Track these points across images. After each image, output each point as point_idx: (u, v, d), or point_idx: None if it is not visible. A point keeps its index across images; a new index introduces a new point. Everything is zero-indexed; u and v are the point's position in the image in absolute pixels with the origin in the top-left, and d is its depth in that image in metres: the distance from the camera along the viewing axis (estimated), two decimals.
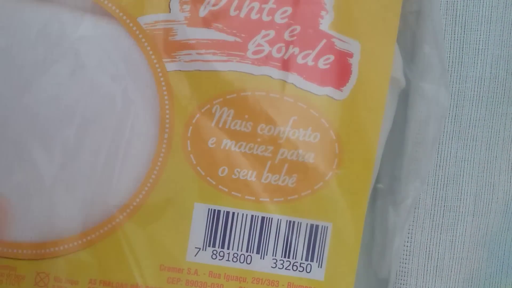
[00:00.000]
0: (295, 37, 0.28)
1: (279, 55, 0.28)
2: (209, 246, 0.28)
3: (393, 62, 0.28)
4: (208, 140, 0.28)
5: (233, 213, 0.28)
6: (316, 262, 0.29)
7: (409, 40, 0.30)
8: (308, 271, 0.29)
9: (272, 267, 0.28)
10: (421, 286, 0.33)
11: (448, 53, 0.32)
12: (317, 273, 0.29)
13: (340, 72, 0.28)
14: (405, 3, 0.29)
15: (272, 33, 0.28)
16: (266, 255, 0.28)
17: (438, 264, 0.33)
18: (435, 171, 0.33)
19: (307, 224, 0.29)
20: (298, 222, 0.28)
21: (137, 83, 0.28)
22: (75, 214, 0.28)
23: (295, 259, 0.29)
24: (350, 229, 0.28)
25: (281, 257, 0.29)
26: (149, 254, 0.28)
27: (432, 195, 0.33)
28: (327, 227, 0.28)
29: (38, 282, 0.28)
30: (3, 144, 0.27)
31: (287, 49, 0.28)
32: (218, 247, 0.28)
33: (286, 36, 0.28)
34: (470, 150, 0.33)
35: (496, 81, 0.33)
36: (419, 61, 0.30)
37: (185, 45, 0.28)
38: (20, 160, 0.27)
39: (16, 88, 0.27)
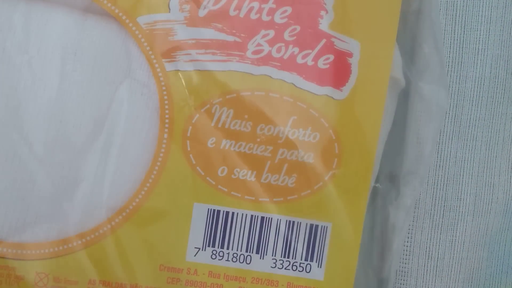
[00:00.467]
0: (295, 37, 0.28)
1: (278, 55, 0.28)
2: (208, 246, 0.28)
3: (393, 62, 0.29)
4: (207, 140, 0.28)
5: (233, 213, 0.28)
6: (316, 262, 0.29)
7: (409, 40, 0.30)
8: (307, 271, 0.29)
9: (271, 267, 0.29)
10: (421, 286, 0.33)
11: (448, 53, 0.33)
12: (317, 273, 0.29)
13: (340, 72, 0.28)
14: (405, 3, 0.29)
15: (271, 33, 0.28)
16: (266, 255, 0.29)
17: (438, 264, 0.33)
18: (435, 171, 0.33)
19: (306, 224, 0.29)
20: (298, 222, 0.29)
21: (136, 83, 0.28)
22: (74, 215, 0.28)
23: (295, 259, 0.29)
24: (349, 229, 0.28)
25: (281, 257, 0.29)
26: (148, 254, 0.28)
27: (432, 195, 0.33)
28: (326, 227, 0.29)
29: (37, 282, 0.28)
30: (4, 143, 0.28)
31: (286, 49, 0.28)
32: (218, 247, 0.28)
33: (286, 36, 0.28)
34: (470, 150, 0.33)
35: (496, 81, 0.33)
36: (418, 61, 0.30)
37: (184, 45, 0.28)
38: (20, 159, 0.28)
39: (17, 89, 0.28)
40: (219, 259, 0.29)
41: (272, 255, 0.29)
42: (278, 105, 0.28)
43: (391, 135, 0.30)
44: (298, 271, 0.29)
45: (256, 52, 0.28)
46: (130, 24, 0.27)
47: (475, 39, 0.32)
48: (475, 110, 0.33)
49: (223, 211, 0.28)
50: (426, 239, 0.33)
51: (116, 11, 0.27)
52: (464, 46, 0.32)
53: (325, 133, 0.28)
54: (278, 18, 0.28)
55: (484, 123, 0.33)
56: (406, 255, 0.33)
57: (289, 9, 0.28)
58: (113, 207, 0.28)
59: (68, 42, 0.28)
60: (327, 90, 0.28)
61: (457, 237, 0.33)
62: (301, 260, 0.29)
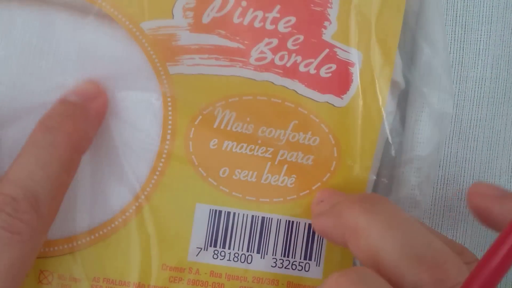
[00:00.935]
0: (298, 46, 0.28)
1: (281, 63, 0.28)
2: (210, 246, 0.29)
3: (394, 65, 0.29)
4: (209, 142, 0.29)
5: (234, 214, 0.29)
6: (314, 261, 0.29)
7: (409, 42, 0.30)
8: (306, 270, 0.29)
9: (272, 266, 0.29)
10: None
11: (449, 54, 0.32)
12: (315, 271, 0.29)
13: (341, 80, 0.29)
14: (406, 4, 0.29)
15: (275, 41, 0.28)
16: (266, 254, 0.29)
17: None
18: (435, 172, 0.33)
19: (305, 223, 0.29)
20: (297, 222, 0.29)
21: (140, 85, 0.28)
22: (79, 214, 0.28)
23: (294, 258, 0.29)
24: None
25: (281, 256, 0.29)
26: (151, 254, 0.29)
27: (432, 195, 0.32)
28: None
29: (42, 279, 0.28)
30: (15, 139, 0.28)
31: (289, 57, 0.28)
32: (220, 247, 0.29)
33: (289, 44, 0.28)
34: (471, 151, 0.33)
35: (497, 81, 0.33)
36: (419, 62, 0.30)
37: (188, 50, 0.28)
38: None
39: (21, 93, 0.28)
40: (220, 259, 0.29)
41: (273, 255, 0.29)
42: (280, 109, 0.29)
43: (392, 137, 0.31)
44: (298, 270, 0.29)
45: (259, 59, 0.28)
46: (134, 30, 0.28)
47: (475, 39, 0.32)
48: (476, 110, 0.32)
49: (225, 212, 0.29)
50: None
51: (119, 16, 0.28)
52: (464, 47, 0.32)
53: (325, 138, 0.29)
54: (282, 27, 0.28)
55: (485, 123, 0.33)
56: None
57: (293, 19, 0.28)
58: (116, 207, 0.29)
59: (72, 46, 0.28)
60: (328, 97, 0.29)
61: (458, 237, 0.33)
62: (300, 259, 0.29)
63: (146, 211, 0.29)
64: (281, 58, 0.28)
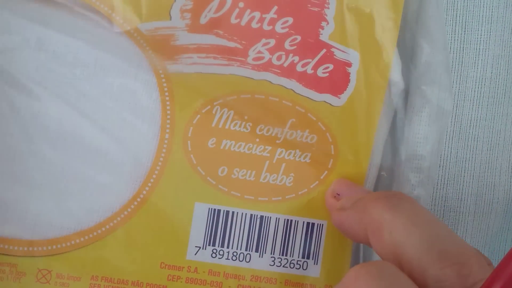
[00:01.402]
0: (295, 46, 0.28)
1: (279, 63, 0.29)
2: (209, 245, 0.29)
3: (392, 64, 0.29)
4: (208, 141, 0.29)
5: (233, 213, 0.29)
6: (312, 259, 0.30)
7: (409, 40, 0.30)
8: (304, 268, 0.30)
9: (270, 265, 0.29)
10: None
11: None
12: (313, 270, 0.30)
13: (339, 80, 0.29)
14: (405, 3, 0.29)
15: (272, 41, 0.28)
16: (265, 253, 0.29)
17: None
18: (435, 171, 0.32)
19: (303, 222, 0.30)
20: (295, 221, 0.29)
21: (138, 84, 0.29)
22: (77, 212, 0.29)
23: (292, 256, 0.29)
24: None
25: (279, 255, 0.29)
26: (149, 252, 0.29)
27: (432, 195, 0.33)
28: (322, 225, 0.29)
29: (40, 278, 0.28)
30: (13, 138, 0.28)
31: (287, 57, 0.29)
32: (218, 246, 0.29)
33: (287, 45, 0.28)
34: (471, 150, 0.33)
35: (497, 81, 0.32)
36: (419, 61, 0.30)
37: (186, 49, 0.28)
38: (21, 156, 0.28)
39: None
40: (219, 258, 0.29)
41: (271, 253, 0.29)
42: (278, 108, 0.29)
43: (391, 137, 0.31)
44: (296, 268, 0.30)
45: (256, 59, 0.28)
46: (132, 31, 0.28)
47: (475, 39, 0.32)
48: (476, 110, 0.32)
49: (223, 211, 0.29)
50: None
51: (117, 18, 0.28)
52: (464, 47, 0.32)
53: (322, 136, 0.29)
54: (279, 28, 0.28)
55: (485, 123, 0.33)
56: None
57: (290, 20, 0.28)
58: (114, 206, 0.29)
59: (67, 45, 0.28)
60: (325, 97, 0.29)
61: None
62: (298, 257, 0.30)
63: (144, 210, 0.29)
64: (279, 58, 0.28)
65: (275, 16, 0.28)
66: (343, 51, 0.29)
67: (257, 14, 0.28)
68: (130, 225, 0.29)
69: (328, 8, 0.28)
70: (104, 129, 0.29)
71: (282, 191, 0.29)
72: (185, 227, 0.29)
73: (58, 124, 0.28)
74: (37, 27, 0.28)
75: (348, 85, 0.29)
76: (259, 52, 0.28)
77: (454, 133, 0.32)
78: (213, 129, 0.29)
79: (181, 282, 0.29)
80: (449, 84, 0.30)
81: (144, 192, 0.29)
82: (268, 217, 0.29)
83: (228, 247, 0.29)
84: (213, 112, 0.29)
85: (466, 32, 0.32)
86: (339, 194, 0.29)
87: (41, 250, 0.28)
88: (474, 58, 0.32)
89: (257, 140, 0.29)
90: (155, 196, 0.29)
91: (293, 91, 0.29)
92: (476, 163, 0.33)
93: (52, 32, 0.28)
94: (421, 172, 0.30)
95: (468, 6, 0.32)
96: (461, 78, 0.32)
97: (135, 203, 0.29)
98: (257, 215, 0.29)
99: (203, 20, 0.28)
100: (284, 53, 0.29)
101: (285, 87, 0.29)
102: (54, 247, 0.29)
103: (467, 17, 0.32)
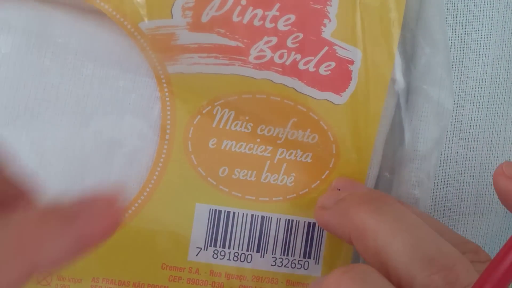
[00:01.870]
0: (298, 44, 0.29)
1: (281, 61, 0.29)
2: (210, 246, 0.29)
3: (393, 63, 0.29)
4: (209, 141, 0.29)
5: (234, 213, 0.29)
6: (313, 259, 0.30)
7: (409, 40, 0.31)
8: (305, 268, 0.30)
9: (271, 265, 0.29)
10: None
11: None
12: (314, 269, 0.30)
13: (341, 78, 0.29)
14: (406, 2, 0.29)
15: (274, 39, 0.28)
16: (266, 253, 0.29)
17: None
18: (436, 171, 0.32)
19: (304, 222, 0.30)
20: (297, 221, 0.30)
21: (138, 85, 0.29)
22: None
23: (294, 256, 0.30)
24: None
25: (281, 255, 0.30)
26: (151, 254, 0.29)
27: (432, 195, 0.32)
28: None
29: (40, 281, 0.28)
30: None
31: (289, 55, 0.29)
32: (219, 247, 0.29)
33: (289, 43, 0.28)
34: (471, 150, 0.33)
35: (497, 81, 0.33)
36: (419, 60, 0.30)
37: (187, 49, 0.28)
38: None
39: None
40: (220, 258, 0.29)
41: (272, 254, 0.29)
42: (279, 107, 0.29)
43: (392, 136, 0.31)
44: (297, 268, 0.30)
45: (258, 58, 0.28)
46: (132, 30, 0.28)
47: (476, 39, 0.32)
48: (476, 110, 0.33)
49: (224, 211, 0.29)
50: None
51: (118, 16, 0.28)
52: (465, 47, 0.32)
53: (324, 135, 0.29)
54: (281, 26, 0.28)
55: (485, 123, 0.33)
56: None
57: (292, 17, 0.28)
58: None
59: (68, 43, 0.28)
60: (327, 95, 0.29)
61: None
62: (299, 257, 0.30)
63: (145, 211, 0.29)
64: (281, 56, 0.28)
65: (278, 13, 0.28)
66: (345, 49, 0.29)
67: (259, 12, 0.28)
68: (131, 226, 0.29)
69: (331, 5, 0.28)
70: (103, 130, 0.29)
71: (283, 191, 0.29)
72: (186, 228, 0.29)
73: (58, 125, 0.29)
74: (36, 26, 0.28)
75: (350, 83, 0.29)
76: (261, 50, 0.28)
77: (454, 133, 0.33)
78: (214, 130, 0.29)
79: (183, 283, 0.29)
80: (450, 84, 0.30)
81: (145, 193, 0.29)
82: (269, 217, 0.29)
83: (229, 248, 0.29)
84: (214, 112, 0.29)
85: (466, 32, 0.32)
86: (339, 190, 0.29)
87: None
88: (475, 58, 0.32)
89: (258, 140, 0.29)
90: (156, 197, 0.29)
91: (295, 89, 0.29)
92: (476, 163, 0.33)
93: (52, 31, 0.28)
94: (421, 172, 0.30)
95: (468, 6, 0.32)
96: (461, 78, 0.32)
97: (136, 204, 0.29)
98: (258, 216, 0.29)
99: (205, 18, 0.28)
100: (286, 51, 0.29)
101: (286, 85, 0.29)
102: None
103: (468, 17, 0.32)
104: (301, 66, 0.29)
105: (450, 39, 0.32)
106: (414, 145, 0.30)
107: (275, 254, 0.30)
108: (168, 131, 0.29)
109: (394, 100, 0.30)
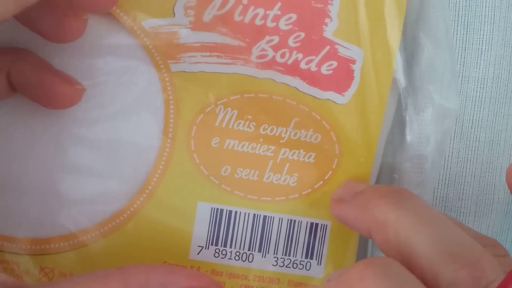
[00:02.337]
0: (299, 43, 0.28)
1: (282, 60, 0.28)
2: (211, 244, 0.29)
3: (395, 62, 0.29)
4: (211, 140, 0.29)
5: (236, 212, 0.29)
6: (316, 260, 0.30)
7: (411, 39, 0.30)
8: (307, 268, 0.30)
9: (273, 265, 0.29)
10: None
11: None
12: (316, 270, 0.30)
13: (343, 77, 0.29)
14: (408, 1, 0.29)
15: (276, 38, 0.28)
16: (268, 253, 0.29)
17: None
18: (438, 172, 0.32)
19: (307, 222, 0.29)
20: (299, 221, 0.29)
21: (141, 83, 0.29)
22: (80, 212, 0.29)
23: (295, 257, 0.30)
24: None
25: (282, 255, 0.29)
26: (152, 251, 0.29)
27: (433, 195, 0.33)
28: (326, 225, 0.29)
29: (42, 277, 0.28)
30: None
31: (290, 55, 0.28)
32: (221, 246, 0.29)
33: (290, 42, 0.28)
34: (472, 150, 0.33)
35: (499, 81, 0.33)
36: (421, 60, 0.30)
37: (189, 48, 0.28)
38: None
39: None
40: (222, 257, 0.29)
41: (274, 254, 0.29)
42: (281, 107, 0.29)
43: (392, 136, 0.31)
44: (299, 268, 0.30)
45: (260, 57, 0.28)
46: (135, 28, 0.28)
47: (478, 39, 0.32)
48: (478, 110, 0.33)
49: (226, 210, 0.29)
50: None
51: (121, 14, 0.28)
52: (467, 47, 0.32)
53: (326, 135, 0.29)
54: (283, 25, 0.28)
55: (487, 123, 0.33)
56: None
57: (294, 16, 0.28)
58: (117, 206, 0.29)
59: (73, 44, 0.28)
60: (329, 94, 0.29)
61: None
62: (301, 258, 0.30)
63: (147, 209, 0.29)
64: (282, 56, 0.28)
65: (279, 12, 0.28)
66: (347, 48, 0.29)
67: (260, 11, 0.28)
68: (132, 224, 0.29)
69: (332, 4, 0.28)
70: (106, 128, 0.29)
71: (286, 191, 0.29)
72: (188, 227, 0.29)
73: (60, 123, 0.29)
74: None
75: (352, 82, 0.29)
76: (263, 49, 0.28)
77: (456, 133, 0.33)
78: (216, 129, 0.29)
79: None
80: (454, 84, 0.30)
81: (147, 191, 0.29)
82: (271, 217, 0.29)
83: (231, 247, 0.29)
84: (217, 111, 0.29)
85: (468, 32, 0.32)
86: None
87: (44, 248, 0.28)
88: (476, 58, 0.32)
89: (261, 139, 0.29)
90: (158, 196, 0.29)
91: (297, 89, 0.29)
92: (477, 163, 0.33)
93: None
94: (423, 172, 0.30)
95: (470, 6, 0.32)
96: (463, 78, 0.32)
97: (138, 202, 0.29)
98: (260, 215, 0.29)
99: (207, 17, 0.28)
100: (288, 50, 0.28)
101: (288, 85, 0.29)
102: (57, 245, 0.29)
103: (469, 17, 0.32)
104: (302, 66, 0.29)
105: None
106: (416, 145, 0.30)
107: (276, 254, 0.29)
108: (170, 130, 0.29)
109: (396, 99, 0.30)
